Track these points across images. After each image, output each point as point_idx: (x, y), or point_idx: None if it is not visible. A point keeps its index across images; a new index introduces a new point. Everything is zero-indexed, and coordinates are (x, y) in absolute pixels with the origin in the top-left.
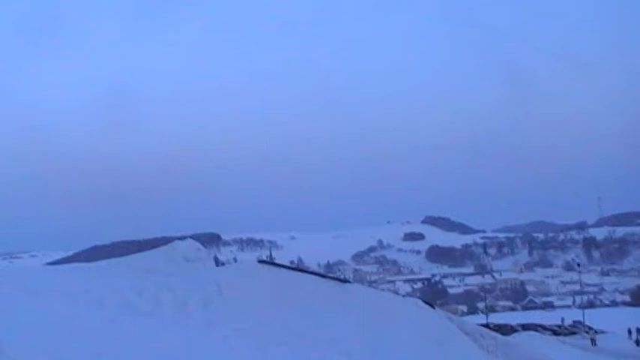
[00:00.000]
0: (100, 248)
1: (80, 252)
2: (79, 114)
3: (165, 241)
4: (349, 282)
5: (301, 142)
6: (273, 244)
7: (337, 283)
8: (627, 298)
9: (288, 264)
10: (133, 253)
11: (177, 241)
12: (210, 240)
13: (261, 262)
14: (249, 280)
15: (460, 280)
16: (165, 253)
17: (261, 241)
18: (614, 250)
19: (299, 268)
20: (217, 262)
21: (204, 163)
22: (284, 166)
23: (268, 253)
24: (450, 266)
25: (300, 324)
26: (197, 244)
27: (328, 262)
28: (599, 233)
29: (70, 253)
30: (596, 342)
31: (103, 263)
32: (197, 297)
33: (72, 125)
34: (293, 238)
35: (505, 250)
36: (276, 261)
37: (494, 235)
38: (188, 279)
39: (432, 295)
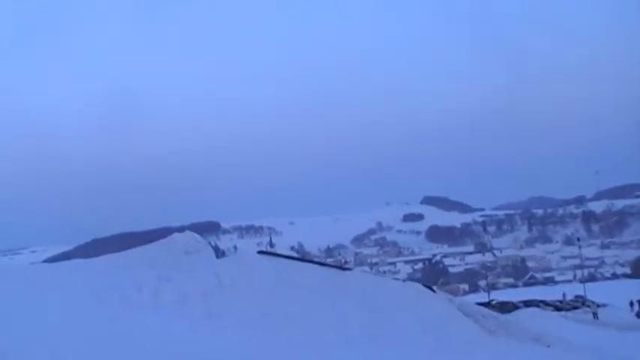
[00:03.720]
0: (100, 241)
1: (80, 246)
2: (76, 111)
3: (165, 231)
4: (348, 269)
5: (298, 127)
6: (272, 231)
7: (336, 270)
8: (628, 270)
9: (287, 252)
10: (134, 245)
11: (176, 234)
12: (209, 229)
13: (260, 252)
14: (249, 271)
15: (461, 259)
16: (164, 246)
17: (261, 227)
18: (613, 223)
19: (298, 257)
20: (218, 251)
21: (202, 153)
22: (281, 152)
23: (268, 240)
24: (450, 245)
25: (300, 313)
26: (196, 235)
27: (328, 246)
28: (598, 207)
29: (70, 248)
30: (598, 315)
31: (103, 259)
32: (197, 290)
33: (70, 121)
34: (292, 223)
35: (505, 227)
36: (276, 247)
37: (494, 212)
38: (187, 272)
39: (433, 275)
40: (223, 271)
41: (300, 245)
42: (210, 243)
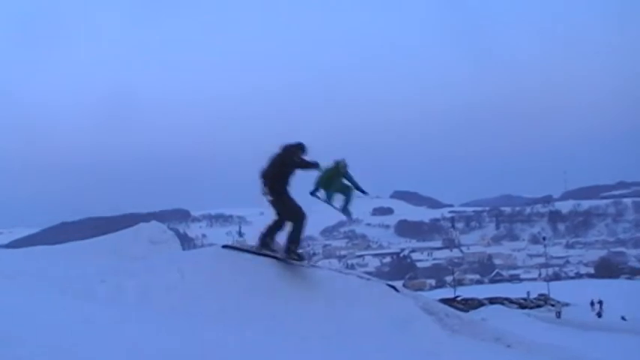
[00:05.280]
0: (67, 225)
1: (47, 229)
2: (49, 96)
3: (134, 217)
4: (312, 265)
5: (270, 119)
6: (242, 220)
7: (299, 266)
8: (591, 270)
9: (256, 243)
10: (102, 230)
11: (142, 224)
12: (179, 216)
13: (224, 247)
14: (212, 265)
15: (428, 254)
16: (130, 236)
17: (231, 216)
18: (578, 223)
19: (262, 252)
20: (186, 239)
21: (174, 142)
22: (251, 141)
23: (237, 229)
24: (418, 240)
25: (262, 309)
26: (162, 225)
27: None
28: (565, 206)
29: (36, 230)
30: (561, 314)
31: (68, 246)
32: (160, 283)
33: (42, 105)
34: (263, 213)
35: (473, 223)
36: (246, 237)
37: (462, 209)
38: (151, 264)
39: (401, 269)
40: (187, 265)
41: None
42: (178, 231)
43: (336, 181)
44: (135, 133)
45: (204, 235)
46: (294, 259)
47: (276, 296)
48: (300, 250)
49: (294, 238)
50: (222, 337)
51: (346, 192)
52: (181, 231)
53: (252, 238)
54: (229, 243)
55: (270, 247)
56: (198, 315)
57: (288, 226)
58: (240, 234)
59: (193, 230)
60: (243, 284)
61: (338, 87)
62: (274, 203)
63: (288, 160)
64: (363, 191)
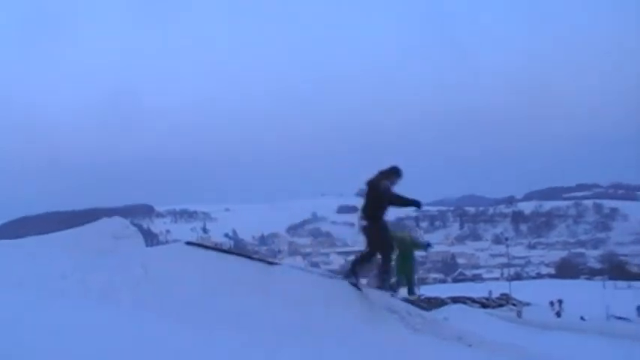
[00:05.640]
0: (29, 219)
1: (8, 223)
2: (30, 91)
3: (97, 212)
4: (276, 263)
5: (236, 114)
6: (207, 216)
7: (264, 264)
8: (552, 270)
9: (221, 239)
10: (64, 225)
11: (104, 219)
12: (143, 212)
13: (188, 243)
14: (176, 262)
15: None
16: (92, 231)
17: (195, 212)
18: (540, 224)
19: (225, 249)
20: (150, 235)
21: (139, 136)
22: (218, 137)
23: (202, 225)
24: None
25: (225, 307)
26: (125, 221)
27: (262, 234)
28: (527, 207)
29: None
30: (522, 314)
31: (28, 240)
32: (123, 279)
33: (19, 103)
34: (227, 209)
35: (437, 223)
36: (210, 233)
37: (427, 208)
38: (114, 260)
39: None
40: (150, 261)
41: (235, 232)
42: (142, 227)
43: (408, 261)
44: (100, 128)
45: (168, 231)
46: (386, 289)
47: (240, 294)
48: (391, 280)
49: (386, 269)
50: (185, 334)
51: (410, 274)
52: (145, 226)
53: (216, 235)
54: (193, 240)
55: (357, 275)
56: (162, 312)
57: (378, 257)
58: (205, 230)
59: (157, 226)
60: (207, 281)
61: (302, 83)
62: (367, 230)
63: (383, 186)
64: (429, 246)
